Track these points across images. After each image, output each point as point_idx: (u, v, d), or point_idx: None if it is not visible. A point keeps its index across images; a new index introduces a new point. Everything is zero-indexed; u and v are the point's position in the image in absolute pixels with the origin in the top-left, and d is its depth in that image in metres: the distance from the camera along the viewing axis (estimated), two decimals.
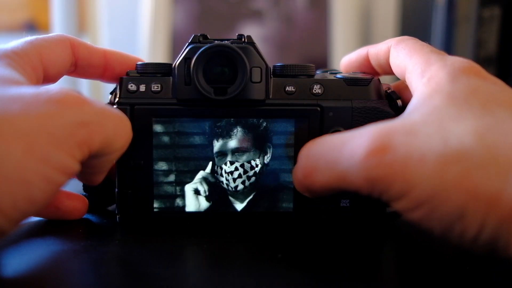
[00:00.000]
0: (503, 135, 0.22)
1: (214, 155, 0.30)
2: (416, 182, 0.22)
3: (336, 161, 0.24)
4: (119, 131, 0.26)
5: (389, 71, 0.31)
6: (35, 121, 0.22)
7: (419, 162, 0.22)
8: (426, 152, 0.22)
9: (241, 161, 0.30)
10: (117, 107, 0.29)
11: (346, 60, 0.35)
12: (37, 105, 0.23)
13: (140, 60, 0.33)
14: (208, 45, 0.29)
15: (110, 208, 0.34)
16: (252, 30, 0.94)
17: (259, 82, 0.29)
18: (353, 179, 0.23)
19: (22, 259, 0.26)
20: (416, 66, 0.27)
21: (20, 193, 0.22)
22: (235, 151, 0.30)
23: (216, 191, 0.31)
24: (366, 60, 0.33)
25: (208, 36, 0.30)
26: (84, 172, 0.28)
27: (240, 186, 0.31)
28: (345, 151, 0.24)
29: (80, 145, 0.24)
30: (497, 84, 0.25)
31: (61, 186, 0.24)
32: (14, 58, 0.27)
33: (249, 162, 0.30)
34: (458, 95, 0.24)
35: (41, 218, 0.32)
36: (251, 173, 0.30)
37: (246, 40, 0.30)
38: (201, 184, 0.31)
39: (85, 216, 0.32)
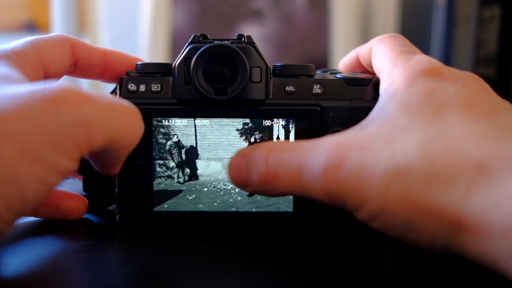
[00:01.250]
0: (446, 146, 0.22)
1: (214, 155, 0.30)
2: (367, 197, 0.23)
3: (298, 173, 0.24)
4: (125, 126, 0.25)
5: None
6: (29, 121, 0.22)
7: (368, 178, 0.23)
8: (375, 168, 0.22)
9: None
10: None
11: (341, 64, 0.36)
12: (33, 104, 0.22)
13: (140, 60, 0.33)
14: (208, 45, 0.29)
15: (110, 208, 0.34)
16: (252, 30, 0.94)
17: (259, 82, 0.29)
18: (315, 193, 0.24)
19: (21, 259, 0.26)
20: (385, 67, 0.28)
21: (13, 194, 0.21)
22: (234, 151, 0.30)
23: (216, 191, 0.31)
24: (358, 62, 0.34)
25: (208, 36, 0.30)
26: (98, 164, 0.28)
27: None
28: (305, 165, 0.24)
29: (78, 145, 0.23)
30: (457, 83, 0.25)
31: (55, 186, 0.24)
32: (14, 58, 0.27)
33: None
34: (411, 102, 0.24)
35: (41, 218, 0.32)
36: None
37: (246, 40, 0.30)
38: (201, 184, 0.30)
39: (85, 216, 0.32)
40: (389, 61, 0.28)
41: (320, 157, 0.24)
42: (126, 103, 0.26)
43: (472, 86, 0.25)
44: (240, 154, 0.27)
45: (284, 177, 0.25)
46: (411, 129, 0.23)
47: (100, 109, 0.24)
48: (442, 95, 0.24)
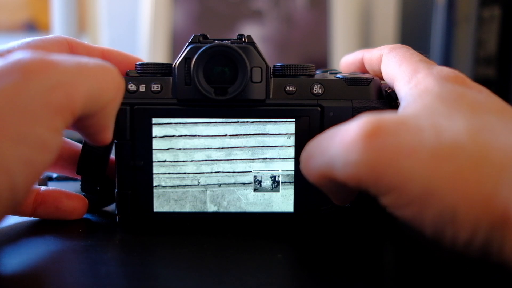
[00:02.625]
0: (494, 136, 0.21)
1: (214, 155, 0.30)
2: (407, 177, 0.21)
3: (327, 147, 0.23)
4: (103, 81, 0.24)
5: (382, 77, 0.32)
6: (2, 98, 0.20)
7: (411, 153, 0.21)
8: (418, 144, 0.21)
9: (241, 161, 0.30)
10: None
11: (344, 61, 0.36)
12: (2, 80, 0.21)
13: (139, 60, 0.33)
14: (209, 45, 0.29)
15: (110, 208, 0.34)
16: (252, 30, 0.94)
17: (260, 82, 0.29)
18: (341, 167, 0.22)
19: (21, 259, 0.26)
20: (404, 74, 0.27)
21: (1, 182, 0.20)
22: (235, 151, 0.30)
23: (217, 191, 0.31)
24: (362, 64, 0.34)
25: (208, 36, 0.30)
26: (88, 133, 0.26)
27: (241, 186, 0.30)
28: (336, 137, 0.23)
29: (58, 111, 0.22)
30: (482, 92, 0.25)
31: (45, 167, 0.22)
32: None
33: (249, 162, 0.30)
34: (447, 97, 0.24)
35: (41, 218, 0.32)
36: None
37: (246, 40, 0.29)
38: (201, 184, 0.30)
39: (85, 216, 0.32)
40: (408, 68, 0.27)
41: (353, 127, 0.22)
42: (99, 61, 0.25)
43: (496, 98, 0.25)
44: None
45: (317, 155, 0.24)
46: (454, 117, 0.22)
47: (71, 69, 0.23)
48: (473, 99, 0.24)
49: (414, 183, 0.21)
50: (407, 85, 0.26)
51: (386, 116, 0.22)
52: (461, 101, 0.24)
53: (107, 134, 0.27)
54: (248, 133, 0.30)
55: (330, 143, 0.24)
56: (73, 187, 0.33)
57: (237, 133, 0.30)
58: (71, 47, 0.31)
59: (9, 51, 0.27)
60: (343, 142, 0.22)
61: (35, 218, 0.32)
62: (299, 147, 0.30)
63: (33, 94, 0.21)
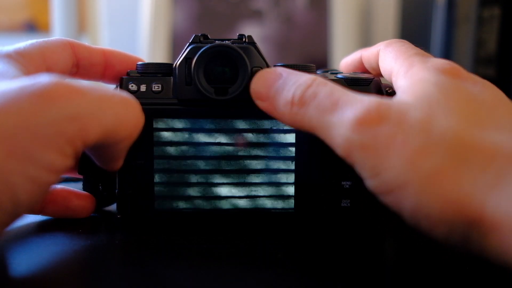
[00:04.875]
0: (481, 134, 0.22)
1: (215, 155, 0.30)
2: (392, 164, 0.22)
3: (329, 110, 0.24)
4: (122, 118, 0.24)
5: (381, 74, 0.32)
6: (18, 117, 0.21)
7: (400, 145, 0.22)
8: (410, 136, 0.22)
9: (241, 161, 0.30)
10: None
11: (343, 63, 0.36)
12: (21, 100, 0.21)
13: (140, 60, 0.33)
14: (209, 45, 0.29)
15: (110, 207, 0.34)
16: (252, 30, 0.94)
17: None
18: (335, 139, 0.23)
19: (21, 259, 0.26)
20: (400, 68, 0.28)
21: (3, 195, 0.21)
22: (235, 151, 0.30)
23: (217, 191, 0.31)
24: (361, 63, 0.34)
25: (208, 36, 0.30)
26: (98, 159, 0.27)
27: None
28: (340, 107, 0.24)
29: (70, 141, 0.22)
30: (477, 84, 0.25)
31: (50, 185, 0.23)
32: (15, 57, 0.27)
33: (249, 162, 0.30)
34: (444, 85, 0.24)
35: (43, 217, 0.32)
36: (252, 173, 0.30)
37: (247, 40, 0.29)
38: (202, 184, 0.30)
39: None
40: (404, 62, 0.28)
41: (359, 105, 0.23)
42: (124, 94, 0.25)
43: (491, 89, 0.25)
44: (277, 71, 0.27)
45: (315, 107, 0.24)
46: (449, 109, 0.23)
47: (92, 101, 0.23)
48: (467, 92, 0.24)
49: (395, 172, 0.22)
50: (402, 79, 0.27)
51: (386, 104, 0.23)
52: (453, 95, 0.24)
53: (117, 164, 0.28)
54: (248, 133, 0.30)
55: (332, 109, 0.24)
56: (74, 187, 0.33)
57: (237, 133, 0.30)
58: (73, 48, 0.31)
59: (14, 50, 0.27)
60: (343, 117, 0.23)
61: (36, 217, 0.32)
62: (299, 147, 0.30)
63: (49, 120, 0.21)
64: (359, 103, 0.23)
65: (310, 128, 0.25)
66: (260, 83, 0.27)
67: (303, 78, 0.26)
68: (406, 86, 0.26)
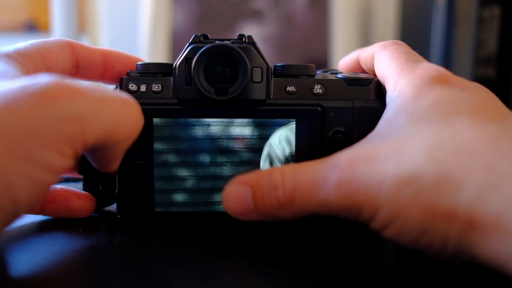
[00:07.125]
0: (455, 149, 0.22)
1: (215, 155, 0.30)
2: (379, 206, 0.23)
3: (313, 192, 0.25)
4: (122, 119, 0.24)
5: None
6: (18, 117, 0.21)
7: (378, 187, 0.23)
8: (384, 176, 0.23)
9: (241, 161, 0.30)
10: None
11: (341, 63, 0.36)
12: (22, 100, 0.21)
13: (140, 60, 0.33)
14: (209, 45, 0.29)
15: (110, 207, 0.34)
16: (252, 30, 0.94)
17: (260, 82, 0.29)
18: (331, 208, 0.24)
19: (20, 259, 0.26)
20: (391, 77, 0.28)
21: (3, 195, 0.21)
22: (235, 151, 0.30)
23: (217, 191, 0.31)
24: (358, 63, 0.34)
25: (208, 36, 0.30)
26: (95, 161, 0.27)
27: None
28: (319, 183, 0.24)
29: (70, 141, 0.22)
30: (465, 90, 0.25)
31: (50, 185, 0.23)
32: (15, 56, 0.27)
33: (249, 162, 0.30)
34: (418, 112, 0.25)
35: (43, 217, 0.32)
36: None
37: (246, 40, 0.29)
38: (202, 184, 0.30)
39: None
40: (395, 69, 0.28)
41: (331, 173, 0.24)
42: (124, 95, 0.25)
43: (480, 93, 0.25)
44: (242, 182, 0.26)
45: (301, 197, 0.25)
46: (418, 137, 0.23)
47: (93, 102, 0.23)
48: (450, 102, 0.24)
49: (385, 210, 0.23)
50: (392, 92, 0.27)
51: (357, 157, 0.24)
52: (433, 110, 0.24)
53: (114, 166, 0.28)
54: (248, 133, 0.30)
55: (314, 188, 0.25)
56: (74, 187, 0.33)
57: (237, 133, 0.30)
58: (73, 48, 0.31)
59: (14, 50, 0.27)
60: (325, 190, 0.24)
61: (35, 218, 0.32)
62: (299, 147, 0.30)
63: (49, 120, 0.21)
64: (329, 171, 0.24)
65: (307, 213, 0.26)
66: (231, 204, 0.27)
67: (273, 180, 0.26)
68: (383, 123, 0.26)
